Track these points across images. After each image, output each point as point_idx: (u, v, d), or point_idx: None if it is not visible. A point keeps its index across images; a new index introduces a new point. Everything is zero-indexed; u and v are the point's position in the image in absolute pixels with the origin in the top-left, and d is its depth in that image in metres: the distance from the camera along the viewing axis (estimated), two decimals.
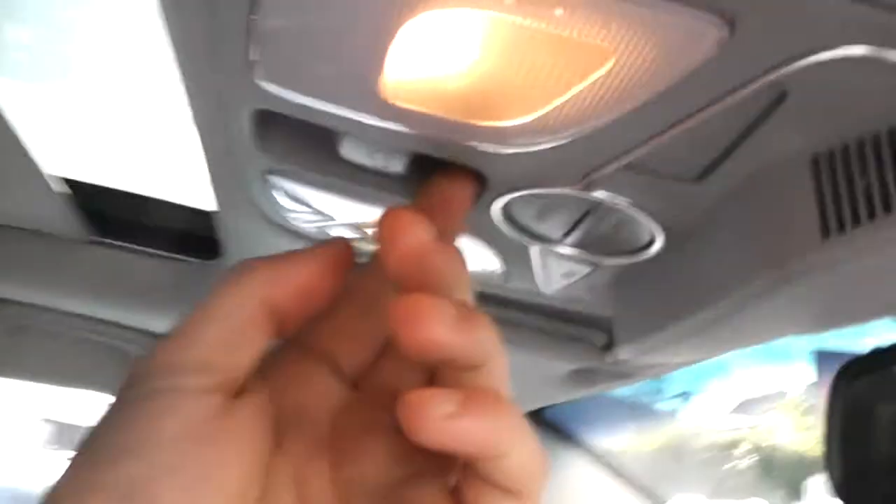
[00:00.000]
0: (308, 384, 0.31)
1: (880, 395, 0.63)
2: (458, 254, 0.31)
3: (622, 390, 1.04)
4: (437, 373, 0.31)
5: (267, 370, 0.30)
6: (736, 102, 0.32)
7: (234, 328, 0.29)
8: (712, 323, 0.42)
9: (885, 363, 0.62)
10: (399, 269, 0.30)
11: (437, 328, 0.26)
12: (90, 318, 0.86)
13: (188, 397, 0.27)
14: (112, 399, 0.28)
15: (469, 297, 0.31)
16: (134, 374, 0.28)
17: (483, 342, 0.27)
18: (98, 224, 0.79)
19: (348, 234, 0.55)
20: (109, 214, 0.81)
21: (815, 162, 0.35)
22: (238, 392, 0.29)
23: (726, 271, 0.39)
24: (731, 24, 0.27)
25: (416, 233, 0.30)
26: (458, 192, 0.39)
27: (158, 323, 0.86)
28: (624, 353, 0.52)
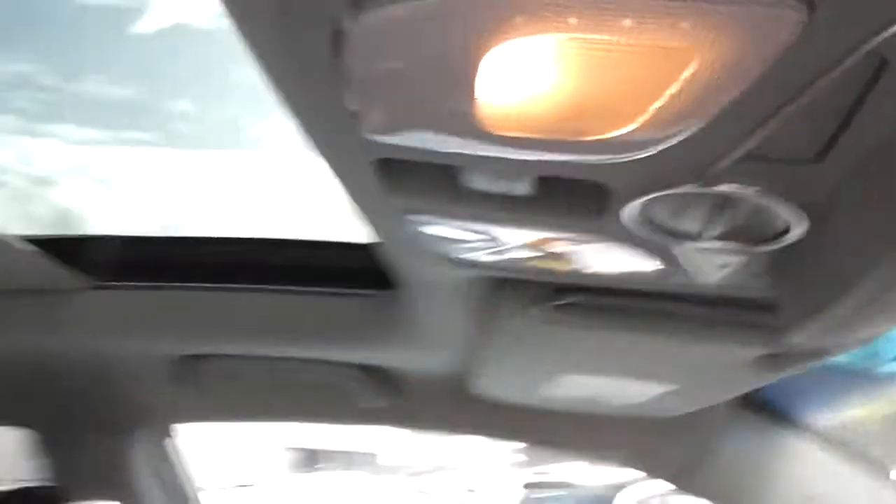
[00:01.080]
0: None
1: None
2: None
3: (837, 359, 0.97)
4: None
5: None
6: (836, 78, 0.30)
7: None
8: (871, 299, 0.40)
9: None
10: None
11: None
12: (291, 360, 0.92)
13: None
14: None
15: None
16: None
17: None
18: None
19: (524, 253, 0.56)
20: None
21: None
22: None
23: (870, 247, 0.37)
24: (810, 4, 0.26)
25: None
26: None
27: (354, 354, 0.91)
28: (796, 336, 0.49)
